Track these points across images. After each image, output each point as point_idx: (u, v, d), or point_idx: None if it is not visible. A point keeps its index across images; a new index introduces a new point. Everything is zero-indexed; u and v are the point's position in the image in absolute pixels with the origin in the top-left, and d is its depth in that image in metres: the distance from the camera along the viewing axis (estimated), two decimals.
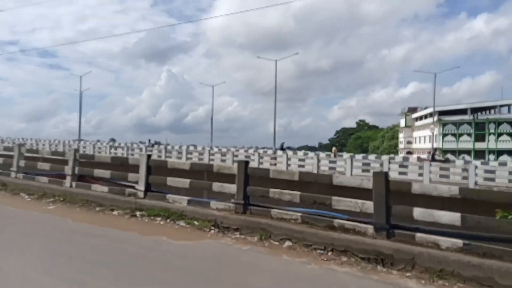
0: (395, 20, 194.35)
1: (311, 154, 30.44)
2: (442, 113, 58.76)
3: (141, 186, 7.10)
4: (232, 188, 6.16)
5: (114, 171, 7.70)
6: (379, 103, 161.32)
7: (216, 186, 6.34)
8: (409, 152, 65.59)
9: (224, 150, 33.17)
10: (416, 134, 70.16)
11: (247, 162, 6.07)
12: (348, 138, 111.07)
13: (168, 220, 6.31)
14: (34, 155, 10.53)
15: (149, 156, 7.16)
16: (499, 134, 55.22)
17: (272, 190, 5.74)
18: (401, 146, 73.64)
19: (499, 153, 53.86)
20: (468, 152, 55.57)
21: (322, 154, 30.48)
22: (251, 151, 31.45)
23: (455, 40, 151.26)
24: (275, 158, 24.44)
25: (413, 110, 72.22)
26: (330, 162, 22.67)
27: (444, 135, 57.51)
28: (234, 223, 5.67)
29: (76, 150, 8.26)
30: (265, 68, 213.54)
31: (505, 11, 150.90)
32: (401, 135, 75.16)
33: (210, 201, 6.34)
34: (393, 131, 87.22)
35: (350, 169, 20.51)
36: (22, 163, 9.43)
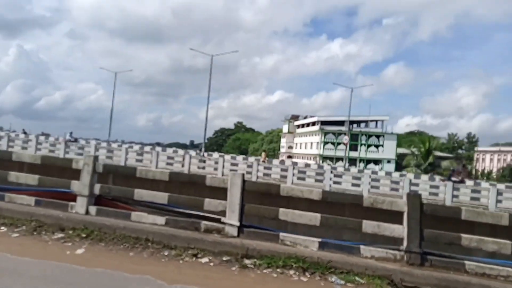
0: (268, 31, 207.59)
1: (239, 157, 29.09)
2: (324, 123, 63.89)
3: (233, 219, 4.87)
4: (396, 230, 4.56)
5: (173, 193, 5.18)
6: (248, 107, 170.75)
7: (369, 225, 4.62)
8: (289, 156, 69.50)
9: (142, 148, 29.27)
10: (297, 140, 74.68)
11: (420, 196, 4.57)
12: (226, 139, 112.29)
13: (308, 274, 4.37)
14: None
15: (243, 176, 4.99)
16: (368, 145, 62.57)
17: (465, 236, 4.39)
18: (282, 150, 77.42)
19: (367, 161, 61.01)
20: (342, 159, 61.48)
21: (239, 158, 29.32)
22: (179, 152, 28.33)
23: (316, 58, 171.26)
24: (204, 162, 22.27)
25: (295, 117, 76.77)
26: (265, 168, 21.69)
27: (325, 143, 62.40)
28: (425, 281, 4.13)
29: (96, 158, 5.37)
30: (137, 58, 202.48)
31: (355, 39, 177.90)
32: (283, 140, 79.09)
33: (359, 246, 4.61)
34: (272, 135, 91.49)
35: (291, 177, 19.90)
36: None
